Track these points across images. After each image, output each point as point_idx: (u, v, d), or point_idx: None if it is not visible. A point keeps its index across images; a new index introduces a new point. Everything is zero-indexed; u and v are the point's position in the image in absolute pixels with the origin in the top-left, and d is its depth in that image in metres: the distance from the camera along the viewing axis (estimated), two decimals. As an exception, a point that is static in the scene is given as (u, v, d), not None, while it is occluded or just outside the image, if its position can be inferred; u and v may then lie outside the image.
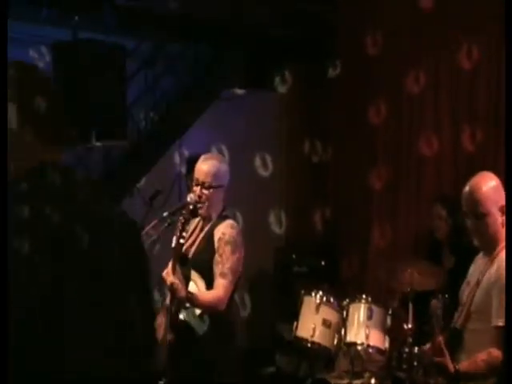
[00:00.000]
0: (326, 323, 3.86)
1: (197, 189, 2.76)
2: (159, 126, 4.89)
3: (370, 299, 3.83)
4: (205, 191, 2.75)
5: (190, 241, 2.79)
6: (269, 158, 5.57)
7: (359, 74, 5.30)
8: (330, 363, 4.37)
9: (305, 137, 5.77)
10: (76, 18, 3.35)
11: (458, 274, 3.76)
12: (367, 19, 5.22)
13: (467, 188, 2.59)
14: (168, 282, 2.53)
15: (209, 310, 2.62)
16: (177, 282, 2.52)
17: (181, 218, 2.60)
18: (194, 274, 2.67)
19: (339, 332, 3.82)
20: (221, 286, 2.63)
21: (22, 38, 4.00)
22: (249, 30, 4.80)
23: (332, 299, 3.92)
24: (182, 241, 2.59)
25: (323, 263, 5.38)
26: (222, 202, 2.83)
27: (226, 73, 5.14)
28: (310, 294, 3.94)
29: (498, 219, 2.52)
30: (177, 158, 5.18)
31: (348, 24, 5.42)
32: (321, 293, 3.93)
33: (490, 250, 2.62)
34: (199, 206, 2.69)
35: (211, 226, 2.77)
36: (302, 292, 4.00)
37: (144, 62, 4.79)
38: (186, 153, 5.13)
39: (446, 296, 2.52)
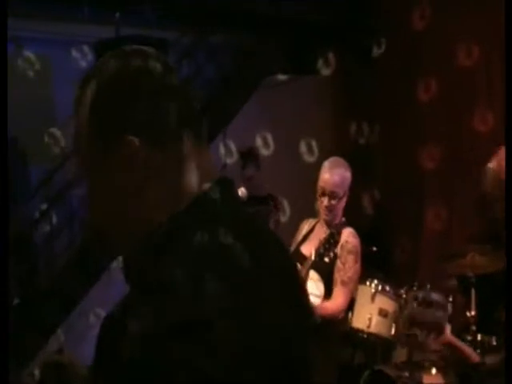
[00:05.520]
0: (382, 313, 3.75)
1: (324, 199, 2.77)
2: (202, 117, 4.82)
3: (428, 287, 3.71)
4: (333, 202, 2.77)
5: (308, 241, 2.86)
6: (314, 144, 5.44)
7: (405, 50, 5.11)
8: (387, 353, 4.26)
9: (351, 119, 5.63)
10: (117, 14, 3.28)
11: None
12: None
13: None
14: None
15: (328, 317, 2.69)
16: None
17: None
18: (313, 275, 2.70)
19: (396, 321, 3.71)
20: (341, 294, 2.74)
21: (64, 38, 3.97)
22: (288, 14, 4.67)
23: (388, 287, 3.80)
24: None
25: (375, 249, 5.24)
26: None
27: (268, 59, 5.03)
28: (365, 283, 3.83)
29: None
30: (222, 150, 5.12)
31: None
32: (376, 281, 3.81)
33: None
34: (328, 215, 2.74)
35: (333, 231, 2.81)
36: (357, 281, 3.91)
37: (185, 53, 4.73)
38: (232, 144, 5.06)
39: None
